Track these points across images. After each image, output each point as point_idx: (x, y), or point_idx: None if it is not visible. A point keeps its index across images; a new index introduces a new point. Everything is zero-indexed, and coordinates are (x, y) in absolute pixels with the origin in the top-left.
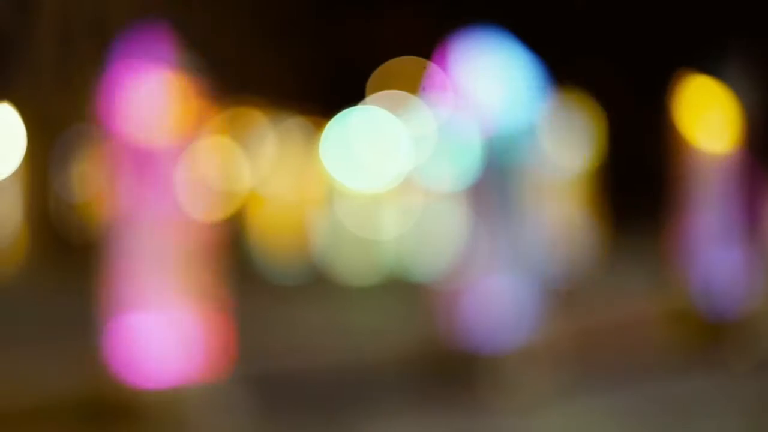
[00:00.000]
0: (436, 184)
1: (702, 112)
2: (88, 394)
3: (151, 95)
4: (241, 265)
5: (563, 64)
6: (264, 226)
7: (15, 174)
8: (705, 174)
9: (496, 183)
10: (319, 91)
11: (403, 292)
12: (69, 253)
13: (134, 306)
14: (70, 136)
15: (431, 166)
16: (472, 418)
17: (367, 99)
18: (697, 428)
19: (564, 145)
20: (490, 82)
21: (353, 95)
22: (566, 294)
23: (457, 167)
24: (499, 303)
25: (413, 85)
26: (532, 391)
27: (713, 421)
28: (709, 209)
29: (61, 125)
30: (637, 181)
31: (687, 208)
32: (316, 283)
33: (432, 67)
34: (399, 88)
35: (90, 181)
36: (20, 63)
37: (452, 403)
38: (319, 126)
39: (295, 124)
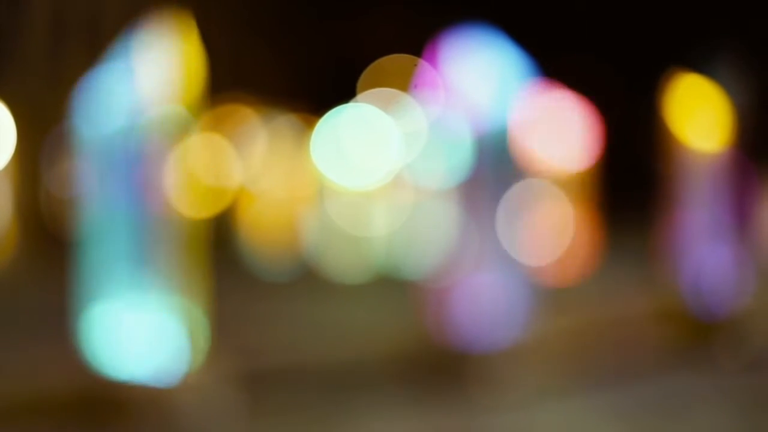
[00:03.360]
0: (426, 182)
1: (693, 110)
2: (77, 390)
3: (142, 89)
4: (231, 262)
5: (554, 62)
6: (254, 222)
7: (5, 169)
8: (696, 172)
9: (486, 180)
10: (310, 88)
11: (393, 289)
12: (59, 249)
13: (122, 302)
14: (60, 131)
15: (422, 164)
16: (462, 415)
17: (358, 96)
18: (687, 426)
19: (554, 142)
20: (481, 79)
21: (344, 92)
22: (557, 292)
23: (447, 164)
24: (490, 300)
25: (404, 83)
26: (522, 389)
27: (704, 418)
28: (700, 207)
29: (52, 121)
30: (629, 178)
31: (678, 206)
32: (306, 280)
33: (423, 64)
34: (390, 86)
35: (79, 176)
36: (11, 58)
37: (443, 401)
38: (310, 123)
39: (286, 121)
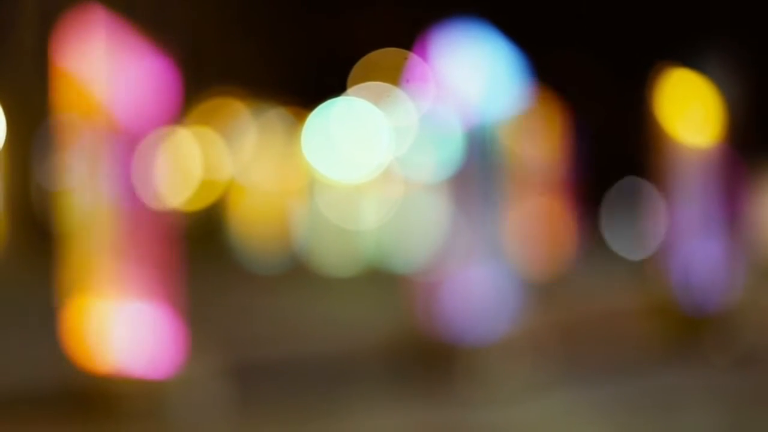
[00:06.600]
0: (416, 175)
1: (683, 105)
2: (66, 384)
3: (120, 82)
4: (221, 255)
5: (544, 56)
6: (245, 216)
7: None
8: (686, 167)
9: (476, 174)
10: (301, 81)
11: (383, 282)
12: (49, 242)
13: (108, 295)
14: (51, 124)
15: (412, 157)
16: (451, 409)
17: (349, 90)
18: (676, 421)
19: (544, 137)
20: (471, 73)
21: (335, 86)
22: (546, 286)
23: (437, 158)
24: (479, 294)
25: (395, 77)
26: (511, 383)
27: (693, 414)
28: (690, 203)
29: (43, 114)
30: (619, 173)
31: (668, 202)
32: (297, 273)
33: (414, 58)
34: (381, 80)
35: (68, 169)
36: (2, 51)
37: (431, 394)
38: (301, 117)
39: (276, 114)
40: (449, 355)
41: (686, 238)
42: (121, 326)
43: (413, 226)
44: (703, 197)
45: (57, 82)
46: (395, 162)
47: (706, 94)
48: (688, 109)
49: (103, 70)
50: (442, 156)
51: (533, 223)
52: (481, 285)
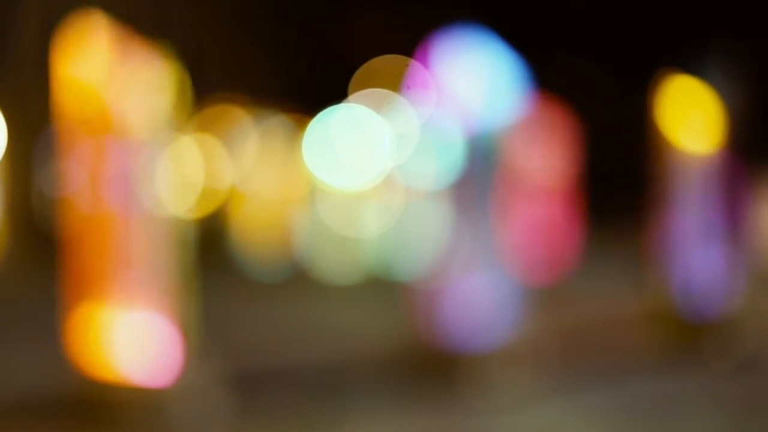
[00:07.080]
0: (417, 183)
1: (684, 112)
2: (68, 391)
3: (121, 89)
4: (222, 263)
5: (545, 63)
6: (246, 223)
7: None
8: (687, 174)
9: (477, 182)
10: (302, 88)
11: (384, 290)
12: (50, 249)
13: (109, 303)
14: (52, 131)
15: (413, 165)
16: (452, 417)
17: (350, 97)
18: (677, 427)
19: (545, 143)
20: (473, 80)
21: (336, 93)
22: (548, 293)
23: (439, 165)
24: (480, 302)
25: (396, 83)
26: (512, 391)
27: (693, 420)
28: (691, 209)
29: (44, 121)
30: (619, 180)
31: (668, 208)
32: (298, 281)
33: (415, 65)
34: (382, 87)
35: (69, 176)
36: (3, 58)
37: (433, 403)
38: (302, 124)
39: (277, 121)
40: (450, 362)
41: (687, 244)
42: (122, 334)
43: (414, 234)
44: (703, 204)
45: (58, 89)
46: (396, 169)
47: (707, 101)
48: (690, 116)
49: (105, 77)
50: (443, 163)
51: (534, 230)
52: (482, 292)
